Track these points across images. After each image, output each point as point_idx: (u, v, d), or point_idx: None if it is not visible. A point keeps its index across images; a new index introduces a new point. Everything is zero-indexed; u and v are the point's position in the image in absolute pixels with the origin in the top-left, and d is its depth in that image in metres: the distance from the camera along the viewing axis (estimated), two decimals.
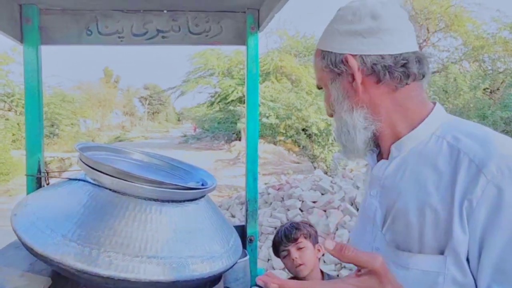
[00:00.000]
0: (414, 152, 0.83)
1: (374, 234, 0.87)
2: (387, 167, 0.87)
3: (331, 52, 0.86)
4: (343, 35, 0.84)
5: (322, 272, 1.84)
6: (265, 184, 7.80)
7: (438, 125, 0.83)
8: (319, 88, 0.95)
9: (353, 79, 0.84)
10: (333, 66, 0.86)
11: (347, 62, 0.84)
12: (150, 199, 1.33)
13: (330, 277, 1.86)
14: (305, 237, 1.79)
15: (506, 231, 0.68)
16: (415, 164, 0.81)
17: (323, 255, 1.89)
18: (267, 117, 10.77)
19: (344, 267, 4.11)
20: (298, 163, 15.10)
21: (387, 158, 0.88)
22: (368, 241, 0.88)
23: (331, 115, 0.94)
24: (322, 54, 0.89)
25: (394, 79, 0.82)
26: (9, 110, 16.71)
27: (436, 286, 0.73)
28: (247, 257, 1.72)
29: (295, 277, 1.80)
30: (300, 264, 1.74)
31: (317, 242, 1.86)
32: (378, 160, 0.92)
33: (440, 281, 0.73)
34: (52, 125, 18.52)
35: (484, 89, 11.45)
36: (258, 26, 1.86)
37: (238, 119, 16.43)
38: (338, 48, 0.85)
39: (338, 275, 4.17)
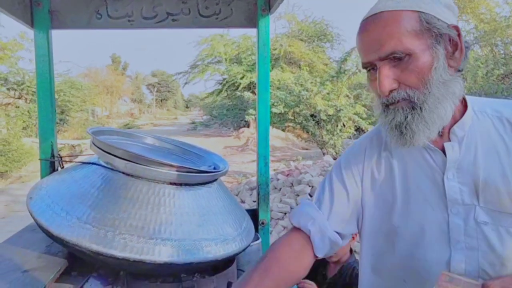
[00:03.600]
0: (474, 128, 0.88)
1: (468, 213, 0.87)
2: (460, 148, 0.88)
3: (436, 17, 0.80)
4: (442, 4, 0.83)
5: (351, 252, 1.89)
6: (274, 170, 7.81)
7: (470, 101, 0.90)
8: (391, 57, 0.81)
9: (456, 48, 0.83)
10: (437, 31, 0.80)
11: (456, 29, 0.82)
12: (163, 183, 1.34)
13: (355, 261, 1.86)
14: None
15: None
16: (481, 138, 0.87)
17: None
18: (276, 106, 10.73)
19: None
20: (307, 149, 15.08)
21: (448, 140, 0.89)
22: (457, 223, 0.88)
23: (392, 91, 0.83)
24: (423, 18, 0.80)
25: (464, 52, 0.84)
26: (19, 98, 16.85)
27: None
28: (260, 240, 1.73)
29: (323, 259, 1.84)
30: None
31: None
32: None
33: None
34: (62, 112, 18.67)
35: (490, 74, 11.24)
36: (269, 8, 1.83)
37: (246, 106, 16.40)
38: (442, 15, 0.81)
39: None
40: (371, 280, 1.02)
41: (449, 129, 0.88)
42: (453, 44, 0.82)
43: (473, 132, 0.88)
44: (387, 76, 0.81)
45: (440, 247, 0.89)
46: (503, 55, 13.75)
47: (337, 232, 0.98)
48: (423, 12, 0.80)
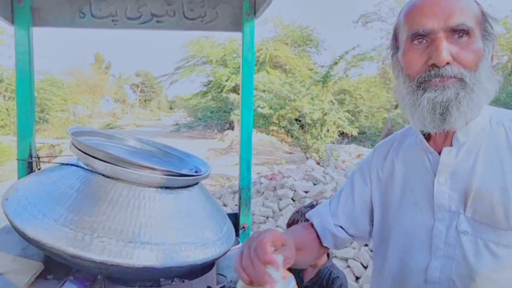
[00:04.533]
0: (481, 137, 0.85)
1: (452, 220, 0.85)
2: (457, 153, 0.86)
3: (491, 16, 0.84)
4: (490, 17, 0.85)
5: (328, 256, 1.93)
6: (257, 173, 7.82)
7: (490, 111, 0.88)
8: (457, 29, 0.79)
9: (492, 52, 0.84)
10: (489, 30, 0.83)
11: (496, 37, 0.84)
12: (143, 185, 1.33)
13: (332, 266, 1.91)
14: None
15: None
16: (486, 148, 0.84)
17: None
18: (262, 107, 10.76)
19: (335, 256, 4.15)
20: (290, 153, 15.14)
21: (450, 145, 0.87)
22: (440, 230, 0.86)
23: (447, 64, 0.79)
24: (484, 11, 0.83)
25: None
26: None
27: None
28: (240, 244, 1.72)
29: None
30: None
31: None
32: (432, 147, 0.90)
33: None
34: (42, 111, 18.28)
35: None
36: (255, 13, 1.84)
37: (231, 108, 16.38)
38: (494, 19, 0.84)
39: None
40: None
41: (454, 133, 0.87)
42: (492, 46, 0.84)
43: (479, 140, 0.85)
44: (447, 48, 0.79)
45: (423, 252, 0.88)
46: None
47: (342, 228, 1.06)
48: (483, 10, 0.83)
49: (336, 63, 11.43)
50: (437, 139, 0.89)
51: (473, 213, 0.82)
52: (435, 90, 0.80)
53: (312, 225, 1.10)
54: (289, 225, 1.94)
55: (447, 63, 0.78)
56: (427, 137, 0.91)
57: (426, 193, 0.89)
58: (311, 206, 1.94)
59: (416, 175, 0.92)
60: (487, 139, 0.85)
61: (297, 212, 1.96)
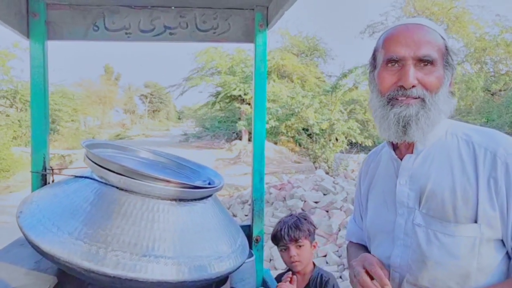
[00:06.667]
0: (437, 146, 1.01)
1: (409, 215, 1.02)
2: (415, 159, 1.03)
3: (452, 52, 0.99)
4: (454, 51, 1.01)
5: (314, 264, 1.94)
6: (267, 183, 7.78)
7: (448, 125, 1.03)
8: (424, 59, 0.95)
9: (451, 80, 1.01)
10: (450, 62, 0.99)
11: (455, 68, 1.01)
12: (157, 198, 1.31)
13: (320, 270, 1.91)
14: (305, 237, 1.86)
15: None
16: (439, 155, 1.00)
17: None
18: (269, 120, 10.75)
19: (347, 268, 4.09)
20: (299, 163, 15.07)
21: (411, 153, 1.04)
22: (400, 223, 1.04)
23: (413, 87, 0.95)
24: (447, 46, 0.99)
25: None
26: (10, 107, 16.68)
27: (474, 247, 0.94)
28: (254, 257, 1.70)
29: (289, 270, 1.91)
30: (297, 261, 1.85)
31: (314, 239, 1.97)
32: (397, 155, 1.08)
33: (477, 242, 0.93)
34: (53, 122, 18.49)
35: (486, 91, 11.47)
36: (267, 24, 1.84)
37: (239, 118, 16.43)
38: (453, 57, 1.00)
39: (341, 276, 4.15)
40: None
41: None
42: (452, 74, 1.01)
43: (434, 149, 1.01)
44: (414, 73, 0.95)
45: (388, 243, 1.06)
46: (493, 73, 14.03)
47: None
48: (447, 45, 1.00)
49: (351, 71, 11.42)
50: (402, 148, 1.07)
51: (427, 209, 0.99)
52: (400, 106, 0.96)
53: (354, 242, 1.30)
54: (273, 236, 1.93)
55: (413, 86, 0.95)
56: (396, 147, 1.09)
57: (392, 193, 1.06)
58: (291, 215, 1.98)
59: (385, 179, 1.11)
60: (441, 148, 1.00)
61: (279, 222, 1.98)
